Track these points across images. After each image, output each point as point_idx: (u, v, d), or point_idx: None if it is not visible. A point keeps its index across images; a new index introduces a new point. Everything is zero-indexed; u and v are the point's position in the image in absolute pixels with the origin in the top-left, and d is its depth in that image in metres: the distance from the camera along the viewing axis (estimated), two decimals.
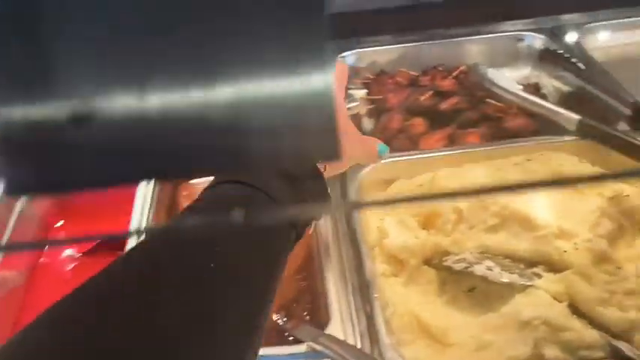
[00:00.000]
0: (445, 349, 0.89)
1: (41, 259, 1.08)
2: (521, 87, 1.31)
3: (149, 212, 0.97)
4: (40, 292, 1.04)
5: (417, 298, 0.97)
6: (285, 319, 0.88)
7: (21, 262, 1.04)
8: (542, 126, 1.34)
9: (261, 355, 0.77)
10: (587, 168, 1.04)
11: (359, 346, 0.82)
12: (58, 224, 1.17)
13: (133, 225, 0.94)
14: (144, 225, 0.94)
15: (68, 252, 1.12)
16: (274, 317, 0.89)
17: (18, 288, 1.01)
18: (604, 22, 1.57)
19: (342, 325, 0.81)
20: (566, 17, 1.63)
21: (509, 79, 1.34)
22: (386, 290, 0.96)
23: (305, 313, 0.88)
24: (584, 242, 0.88)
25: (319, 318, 0.86)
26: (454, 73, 1.41)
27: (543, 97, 1.45)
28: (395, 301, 0.93)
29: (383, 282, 0.97)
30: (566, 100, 1.44)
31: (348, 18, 1.83)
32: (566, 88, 1.44)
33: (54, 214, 1.16)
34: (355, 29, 1.71)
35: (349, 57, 1.56)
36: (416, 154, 1.19)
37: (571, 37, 1.53)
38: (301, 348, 0.77)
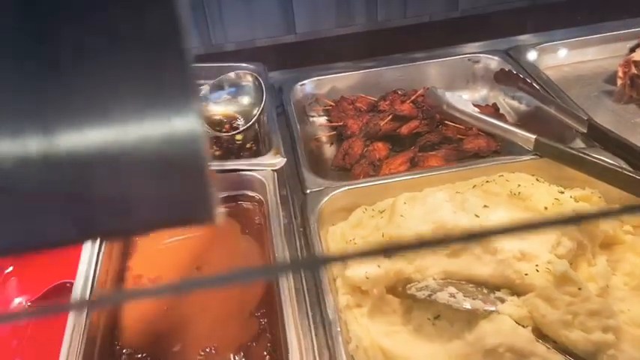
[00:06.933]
0: None
1: None
2: (477, 109, 1.31)
3: (98, 255, 0.93)
4: None
5: (382, 328, 0.94)
6: (243, 359, 0.85)
7: None
8: (503, 146, 1.35)
9: None
10: (543, 186, 1.04)
11: None
12: (8, 270, 1.11)
13: (82, 267, 0.90)
14: (92, 268, 0.90)
15: (18, 299, 1.07)
16: (233, 357, 0.85)
17: None
18: (557, 42, 1.60)
19: None
20: (521, 38, 1.67)
21: (465, 101, 1.35)
22: (350, 322, 0.93)
23: (265, 353, 0.85)
24: (545, 264, 0.87)
25: (279, 357, 0.82)
26: (412, 97, 1.42)
27: (502, 117, 1.46)
28: (359, 334, 0.90)
29: (347, 314, 0.94)
30: (524, 120, 1.46)
31: (307, 45, 1.84)
32: (523, 108, 1.46)
33: (3, 260, 1.10)
34: (314, 56, 1.72)
35: (308, 84, 1.55)
36: (376, 181, 1.17)
37: (525, 58, 1.56)
38: None
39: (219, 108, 1.43)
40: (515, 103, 1.47)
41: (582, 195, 1.06)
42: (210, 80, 1.40)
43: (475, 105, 1.43)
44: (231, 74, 1.42)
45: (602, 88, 1.48)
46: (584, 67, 1.57)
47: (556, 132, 1.30)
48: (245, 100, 1.42)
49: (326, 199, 1.11)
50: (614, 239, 1.01)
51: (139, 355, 0.86)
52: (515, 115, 1.48)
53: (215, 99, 1.42)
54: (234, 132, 1.35)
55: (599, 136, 1.20)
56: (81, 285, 0.87)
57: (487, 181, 1.07)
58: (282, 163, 1.15)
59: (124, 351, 0.87)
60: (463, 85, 1.60)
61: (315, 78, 1.56)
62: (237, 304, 0.93)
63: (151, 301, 0.95)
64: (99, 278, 0.90)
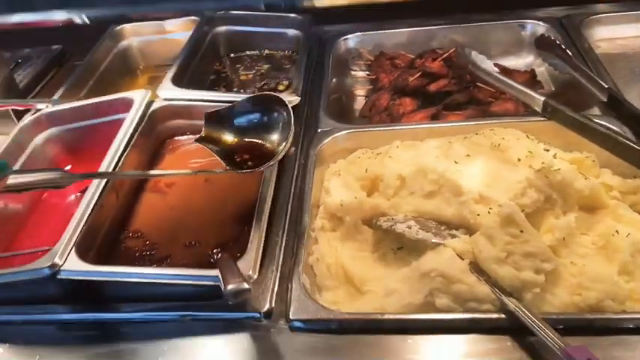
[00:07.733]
0: (360, 295, 0.97)
1: (44, 196, 1.27)
2: (497, 69, 1.33)
3: (122, 155, 1.13)
4: (40, 217, 1.22)
5: (351, 252, 1.04)
6: (219, 254, 1.00)
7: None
8: (530, 111, 1.36)
9: (189, 275, 0.89)
10: (527, 142, 1.06)
11: (276, 282, 0.93)
12: (67, 167, 1.35)
13: (103, 166, 1.10)
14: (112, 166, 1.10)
15: (73, 195, 1.29)
16: (210, 251, 1.01)
17: (19, 213, 1.19)
18: (612, 14, 1.54)
19: (254, 259, 0.91)
20: (582, 7, 1.61)
21: (488, 61, 1.37)
22: (322, 242, 1.04)
23: (238, 253, 0.99)
24: (497, 207, 0.92)
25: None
26: (443, 56, 1.45)
27: (537, 82, 1.46)
28: (324, 252, 1.01)
29: (320, 234, 1.05)
30: (560, 88, 1.44)
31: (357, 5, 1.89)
32: (561, 76, 1.44)
33: (63, 159, 1.34)
34: (364, 15, 1.77)
35: (351, 39, 1.64)
36: (379, 127, 1.26)
37: (577, 27, 1.52)
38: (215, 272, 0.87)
39: (243, 135, 1.12)
40: (553, 71, 1.45)
41: (574, 157, 1.08)
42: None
43: (508, 69, 1.45)
44: (260, 97, 1.15)
45: None
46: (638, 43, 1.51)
47: (580, 100, 1.28)
48: (272, 130, 1.10)
49: (330, 138, 1.22)
50: (599, 202, 1.02)
51: (141, 240, 1.05)
52: (552, 83, 1.47)
53: (239, 123, 1.12)
54: (250, 170, 1.04)
55: (616, 106, 1.18)
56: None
57: (476, 134, 1.11)
58: (296, 102, 1.26)
59: (130, 234, 1.06)
60: (510, 49, 1.60)
61: (360, 33, 1.64)
62: (227, 212, 1.08)
63: (160, 202, 1.13)
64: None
